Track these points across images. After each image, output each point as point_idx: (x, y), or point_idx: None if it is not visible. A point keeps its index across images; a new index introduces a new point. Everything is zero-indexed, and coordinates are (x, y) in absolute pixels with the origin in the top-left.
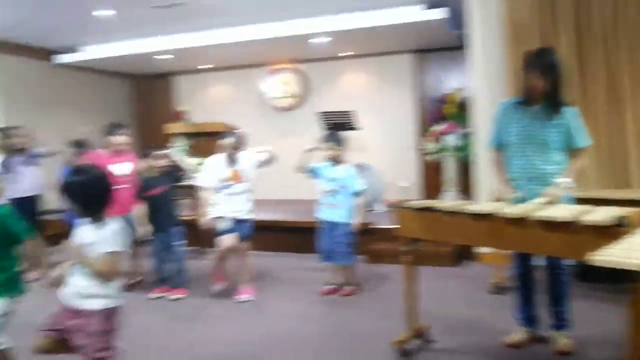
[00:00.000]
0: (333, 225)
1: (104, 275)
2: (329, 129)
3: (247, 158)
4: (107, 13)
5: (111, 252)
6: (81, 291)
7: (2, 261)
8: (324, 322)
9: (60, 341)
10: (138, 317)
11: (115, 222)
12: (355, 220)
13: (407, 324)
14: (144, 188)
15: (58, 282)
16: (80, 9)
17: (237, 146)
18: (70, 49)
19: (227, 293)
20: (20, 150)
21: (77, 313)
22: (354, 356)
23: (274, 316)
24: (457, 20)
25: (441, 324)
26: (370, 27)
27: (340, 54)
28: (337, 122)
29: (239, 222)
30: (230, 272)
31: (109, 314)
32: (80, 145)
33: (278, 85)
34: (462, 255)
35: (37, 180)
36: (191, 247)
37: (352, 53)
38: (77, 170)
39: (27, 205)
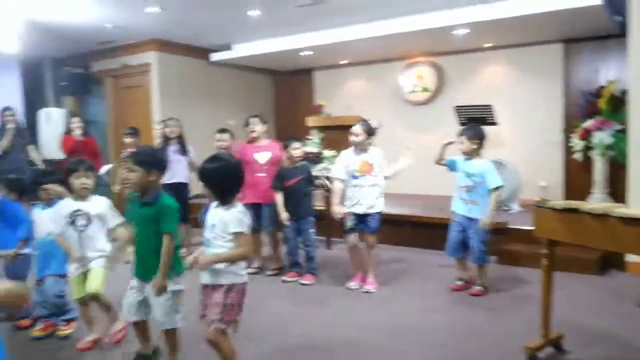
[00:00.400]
0: (468, 222)
1: (248, 255)
2: (465, 123)
3: (378, 152)
4: (256, 13)
5: (235, 233)
6: (210, 267)
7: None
8: (448, 318)
9: None
10: (271, 299)
11: (240, 205)
12: (487, 218)
13: (541, 330)
14: (282, 178)
15: (199, 263)
16: (236, 9)
17: (367, 136)
18: (225, 47)
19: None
20: (174, 139)
21: (206, 287)
22: (478, 355)
23: (398, 308)
24: (614, 5)
25: (578, 334)
26: (515, 17)
27: (478, 46)
28: (473, 116)
29: (366, 215)
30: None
31: (230, 289)
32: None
33: (413, 79)
34: (609, 263)
35: (186, 168)
36: (322, 237)
37: (492, 44)
38: (213, 158)
39: (177, 191)
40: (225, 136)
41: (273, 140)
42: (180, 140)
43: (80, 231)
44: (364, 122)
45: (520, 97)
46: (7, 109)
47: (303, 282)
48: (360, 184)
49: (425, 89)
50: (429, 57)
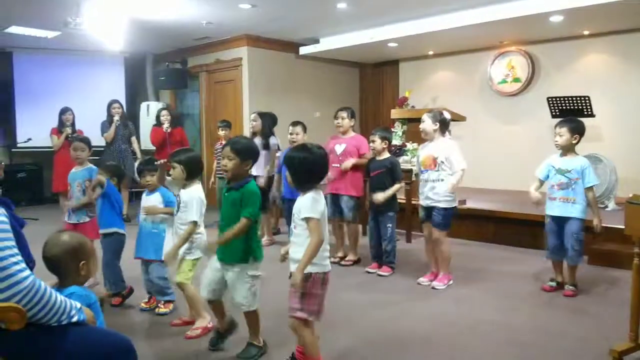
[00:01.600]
0: (563, 221)
1: (318, 241)
2: (558, 115)
3: (446, 146)
4: (343, 5)
5: (305, 218)
6: (292, 256)
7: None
8: (531, 317)
9: None
10: (349, 289)
11: (316, 192)
12: (596, 219)
13: (630, 333)
14: (369, 168)
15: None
16: (325, 2)
17: (435, 125)
18: (312, 41)
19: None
20: (258, 133)
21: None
22: (558, 356)
23: (478, 304)
24: None
25: None
26: (615, 2)
27: (576, 33)
28: (568, 108)
29: (432, 208)
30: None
31: (308, 279)
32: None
33: (503, 69)
34: None
35: (268, 162)
36: (402, 230)
37: (589, 32)
38: (300, 147)
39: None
40: (298, 129)
41: (358, 133)
42: (264, 134)
43: (175, 215)
44: (435, 111)
45: (620, 87)
46: (115, 101)
47: (381, 273)
48: (424, 178)
49: (516, 79)
50: (522, 45)
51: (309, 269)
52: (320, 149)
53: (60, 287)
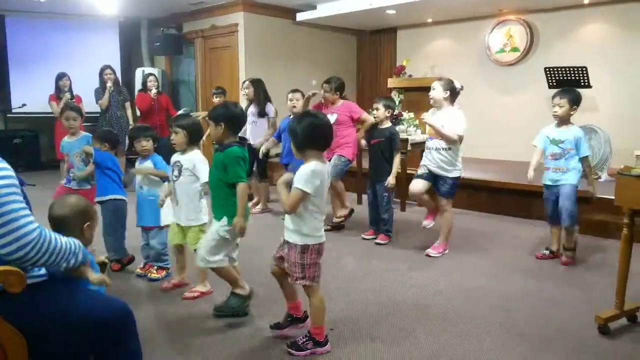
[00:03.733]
0: (558, 189)
1: (286, 208)
2: (555, 86)
3: (450, 115)
4: None
5: (295, 188)
6: (287, 225)
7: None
8: (522, 285)
9: (282, 268)
10: (346, 255)
11: (316, 164)
12: (591, 188)
13: (616, 301)
14: (369, 136)
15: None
16: None
17: (445, 93)
18: (309, 7)
19: (426, 246)
20: (251, 101)
21: (287, 244)
22: (549, 322)
23: (472, 272)
24: None
25: None
26: None
27: (577, 2)
28: (565, 78)
29: (436, 177)
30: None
31: (304, 250)
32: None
33: (501, 38)
34: None
35: (263, 130)
36: (397, 199)
37: (588, 1)
38: (305, 113)
39: (253, 151)
40: (297, 95)
41: (348, 101)
42: (259, 101)
43: (173, 181)
44: (445, 79)
45: (618, 58)
46: (106, 67)
47: (378, 241)
48: (430, 146)
49: (514, 49)
50: (521, 14)
51: (306, 240)
52: (325, 116)
53: None
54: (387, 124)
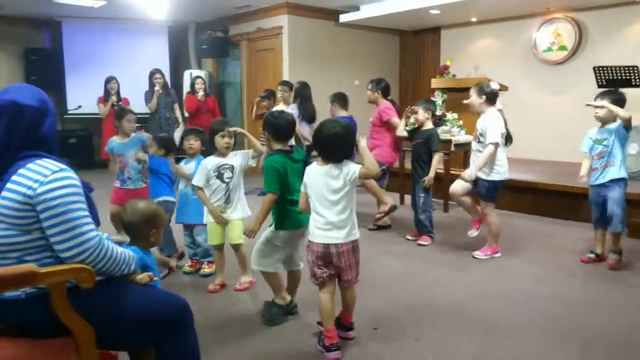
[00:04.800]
0: (604, 189)
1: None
2: (605, 85)
3: (487, 118)
4: None
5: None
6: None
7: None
8: (568, 289)
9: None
10: (387, 256)
11: (338, 166)
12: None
13: None
14: (411, 137)
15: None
16: None
17: (479, 99)
18: (353, 8)
19: (472, 247)
20: (298, 104)
21: (343, 245)
22: (594, 327)
23: (515, 275)
24: None
25: None
26: None
27: (624, 0)
28: (615, 78)
29: (476, 180)
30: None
31: (356, 247)
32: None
33: (548, 37)
34: None
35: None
36: (439, 200)
37: None
38: (325, 122)
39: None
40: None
41: (386, 102)
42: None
43: (227, 183)
44: (480, 84)
45: None
46: (156, 71)
47: (421, 242)
48: (472, 148)
49: (562, 47)
50: (569, 12)
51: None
52: (348, 125)
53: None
54: (429, 125)
